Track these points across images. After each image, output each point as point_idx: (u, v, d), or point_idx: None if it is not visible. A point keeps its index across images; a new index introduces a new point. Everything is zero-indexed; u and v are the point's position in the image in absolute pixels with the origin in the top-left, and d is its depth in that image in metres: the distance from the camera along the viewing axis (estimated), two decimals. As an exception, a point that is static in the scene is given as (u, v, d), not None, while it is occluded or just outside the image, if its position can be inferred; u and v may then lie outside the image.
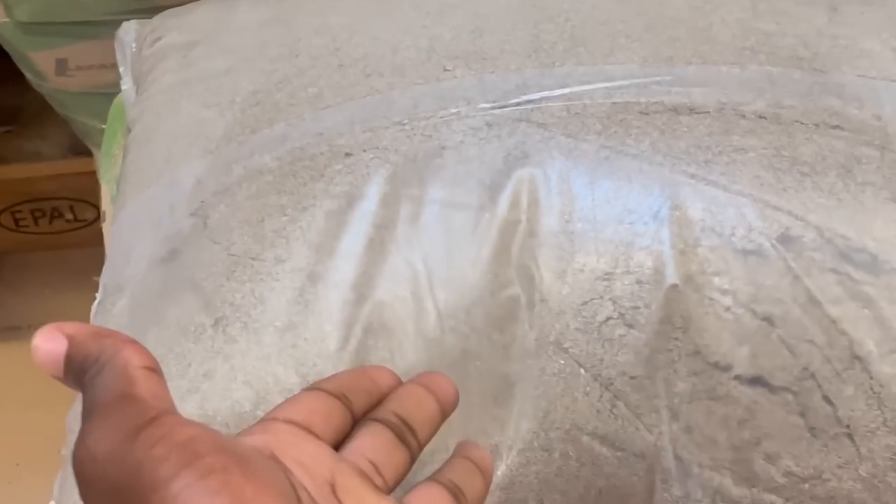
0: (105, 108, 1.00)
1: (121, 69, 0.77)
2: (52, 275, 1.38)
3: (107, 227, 0.93)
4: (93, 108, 1.10)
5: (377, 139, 0.61)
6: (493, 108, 0.61)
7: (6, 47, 1.07)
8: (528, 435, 0.56)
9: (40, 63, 1.07)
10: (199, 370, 0.57)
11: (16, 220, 1.33)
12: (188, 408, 0.56)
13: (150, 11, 0.83)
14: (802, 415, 0.55)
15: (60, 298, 1.36)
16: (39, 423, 1.28)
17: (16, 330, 1.37)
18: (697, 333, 0.55)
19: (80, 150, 1.29)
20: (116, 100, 0.97)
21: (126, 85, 0.76)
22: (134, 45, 0.76)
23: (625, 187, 0.57)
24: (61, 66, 1.07)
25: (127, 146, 0.70)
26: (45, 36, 1.04)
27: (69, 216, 1.33)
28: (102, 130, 1.04)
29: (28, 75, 1.10)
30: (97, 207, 1.33)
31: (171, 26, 0.74)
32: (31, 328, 1.29)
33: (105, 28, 1.01)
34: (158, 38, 0.74)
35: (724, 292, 0.55)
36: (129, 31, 0.77)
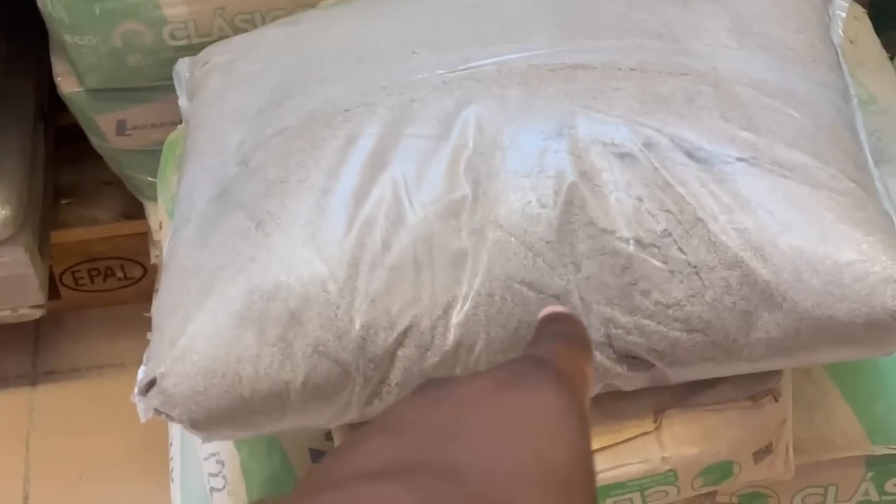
0: (155, 165, 1.26)
1: (178, 93, 1.03)
2: (105, 326, 1.63)
3: (164, 234, 1.18)
4: (146, 165, 1.35)
5: (367, 99, 0.87)
6: (446, 73, 0.87)
7: (75, 112, 1.34)
8: (477, 286, 0.81)
9: (103, 125, 1.33)
10: (246, 257, 0.82)
11: (75, 279, 1.58)
12: (240, 282, 0.81)
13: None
14: (665, 262, 0.80)
15: (112, 345, 1.61)
16: (98, 445, 1.53)
17: (76, 371, 1.62)
18: (591, 210, 0.80)
19: (131, 215, 1.55)
20: (170, 137, 1.24)
21: (182, 102, 1.02)
22: (187, 73, 1.03)
23: (538, 116, 0.83)
24: (121, 127, 1.33)
25: (186, 132, 0.96)
26: (107, 101, 1.31)
27: (120, 274, 1.59)
28: (153, 184, 1.29)
29: (92, 137, 1.36)
30: (144, 267, 1.58)
31: (215, 52, 1.01)
32: (90, 370, 1.53)
33: (158, 92, 1.27)
34: (206, 62, 1.00)
35: (608, 182, 0.81)
36: (182, 65, 1.04)
